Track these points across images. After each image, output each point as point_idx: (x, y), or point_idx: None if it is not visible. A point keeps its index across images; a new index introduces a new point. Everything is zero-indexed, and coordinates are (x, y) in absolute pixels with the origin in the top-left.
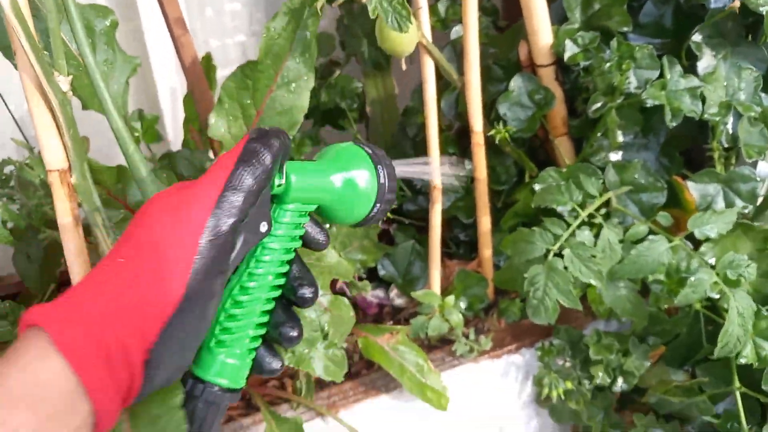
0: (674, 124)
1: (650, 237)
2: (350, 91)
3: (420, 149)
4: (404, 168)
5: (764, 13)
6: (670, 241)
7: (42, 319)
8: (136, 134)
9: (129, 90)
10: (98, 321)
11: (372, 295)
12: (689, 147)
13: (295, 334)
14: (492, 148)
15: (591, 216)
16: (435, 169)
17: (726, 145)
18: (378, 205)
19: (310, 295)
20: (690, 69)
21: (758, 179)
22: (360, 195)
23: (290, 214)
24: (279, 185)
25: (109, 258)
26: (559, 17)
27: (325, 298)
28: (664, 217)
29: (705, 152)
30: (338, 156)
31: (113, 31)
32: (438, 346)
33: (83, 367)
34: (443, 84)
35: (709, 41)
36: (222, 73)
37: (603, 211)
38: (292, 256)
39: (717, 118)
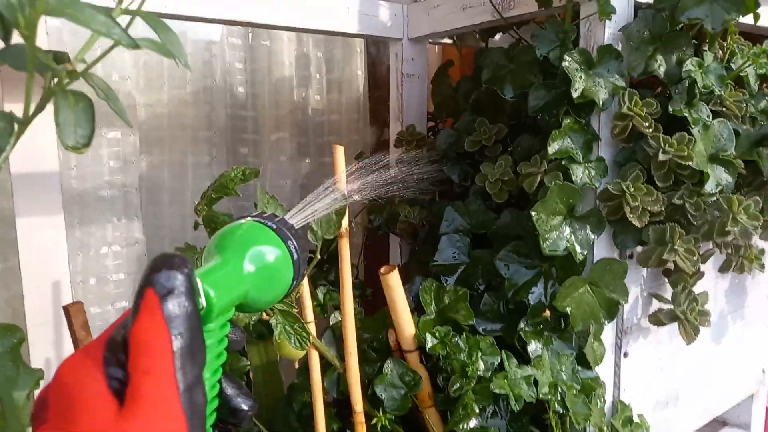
0: (518, 407)
1: None
2: (237, 370)
3: (305, 422)
4: (303, 218)
5: (568, 312)
6: None
7: None
8: None
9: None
10: None
11: None
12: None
13: None
14: (372, 420)
15: None
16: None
17: (561, 412)
18: (296, 281)
19: (247, 409)
20: (523, 350)
21: None
22: (278, 277)
23: (214, 334)
24: (201, 309)
25: None
26: (415, 298)
27: None
28: None
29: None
30: (244, 242)
31: (19, 348)
32: None
33: None
34: (325, 364)
35: (534, 329)
36: None
37: None
38: (220, 374)
39: (549, 397)
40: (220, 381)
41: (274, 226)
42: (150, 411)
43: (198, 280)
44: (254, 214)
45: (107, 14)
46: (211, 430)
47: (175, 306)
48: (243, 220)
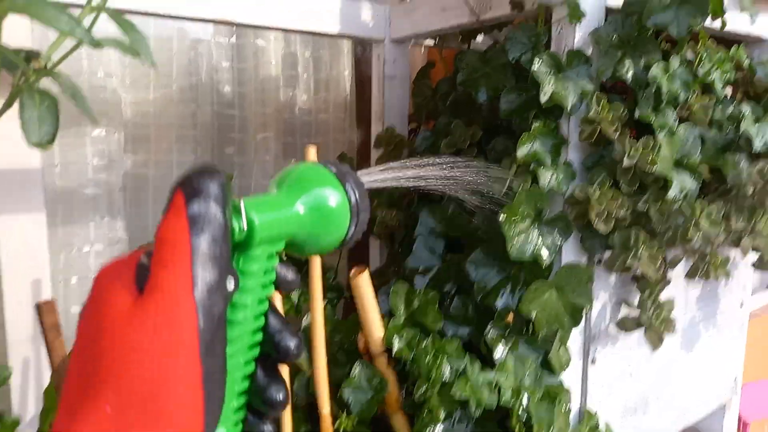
0: (478, 413)
1: None
2: None
3: (275, 424)
4: (370, 178)
5: (533, 316)
6: None
7: None
8: None
9: None
10: None
11: None
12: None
13: (280, 397)
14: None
15: None
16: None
17: (525, 418)
18: (353, 227)
19: (295, 349)
20: (490, 354)
21: None
22: (333, 220)
23: (258, 260)
24: (241, 231)
25: (88, 407)
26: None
27: None
28: None
29: None
30: (301, 180)
31: None
32: None
33: None
34: (294, 367)
35: (500, 334)
36: None
37: None
38: (266, 306)
39: (511, 403)
40: (266, 315)
41: (335, 170)
42: (162, 299)
43: (242, 204)
44: (322, 161)
45: (67, 12)
46: (253, 364)
47: (201, 207)
48: (305, 164)
